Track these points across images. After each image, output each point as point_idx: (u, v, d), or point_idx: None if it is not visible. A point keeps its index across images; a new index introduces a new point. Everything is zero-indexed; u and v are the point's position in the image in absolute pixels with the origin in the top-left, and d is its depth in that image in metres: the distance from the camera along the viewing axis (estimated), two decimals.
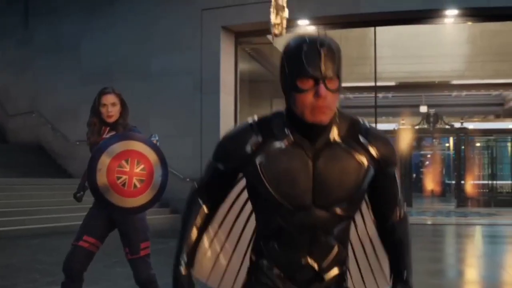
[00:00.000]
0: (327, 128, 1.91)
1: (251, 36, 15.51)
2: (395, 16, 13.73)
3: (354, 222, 2.25)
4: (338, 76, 1.84)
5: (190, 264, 2.05)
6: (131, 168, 3.94)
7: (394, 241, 2.11)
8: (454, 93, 22.75)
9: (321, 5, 13.52)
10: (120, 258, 6.65)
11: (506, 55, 17.36)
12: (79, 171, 15.03)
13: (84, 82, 15.85)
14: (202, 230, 2.12)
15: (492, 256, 9.83)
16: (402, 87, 21.27)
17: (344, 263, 2.05)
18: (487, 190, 20.64)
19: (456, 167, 21.22)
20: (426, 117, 21.42)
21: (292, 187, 1.89)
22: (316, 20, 13.87)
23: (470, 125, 21.54)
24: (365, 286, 2.41)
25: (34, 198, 12.45)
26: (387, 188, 2.04)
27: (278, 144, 1.93)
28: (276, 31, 5.71)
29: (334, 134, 1.93)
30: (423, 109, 21.92)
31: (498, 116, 24.38)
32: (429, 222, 15.73)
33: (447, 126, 21.52)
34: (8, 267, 7.52)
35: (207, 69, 14.29)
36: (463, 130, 21.15)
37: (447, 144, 24.11)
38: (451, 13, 13.54)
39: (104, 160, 3.90)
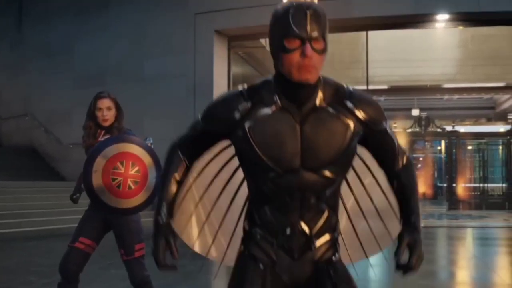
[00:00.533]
0: (313, 94, 2.01)
1: (244, 40, 15.62)
2: (387, 21, 13.88)
3: (350, 187, 2.37)
4: (323, 38, 1.93)
5: (170, 214, 2.14)
6: (126, 170, 4.02)
7: (400, 187, 2.20)
8: (446, 97, 22.85)
9: None
10: (115, 260, 6.72)
11: (497, 59, 17.49)
12: (72, 174, 15.14)
13: (77, 85, 15.93)
14: (181, 183, 2.19)
15: (483, 258, 9.93)
16: (394, 90, 21.35)
17: (335, 229, 2.14)
18: (478, 193, 20.74)
19: (447, 170, 21.33)
20: (417, 120, 21.53)
21: (280, 150, 1.98)
22: None
23: (462, 129, 21.66)
24: (363, 249, 2.52)
25: (28, 201, 12.49)
26: (383, 144, 2.15)
27: (267, 110, 2.01)
28: None
29: (320, 99, 2.03)
30: (415, 112, 21.99)
31: (489, 120, 24.52)
32: (421, 225, 15.85)
33: (438, 130, 21.64)
34: (4, 269, 7.57)
35: (200, 73, 14.39)
36: (455, 133, 21.27)
37: (439, 147, 24.22)
38: (442, 18, 13.71)
39: (100, 162, 3.98)
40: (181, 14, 14.66)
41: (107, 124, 4.24)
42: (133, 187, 4.01)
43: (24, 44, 18.07)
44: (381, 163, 2.23)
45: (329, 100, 2.03)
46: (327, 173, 2.01)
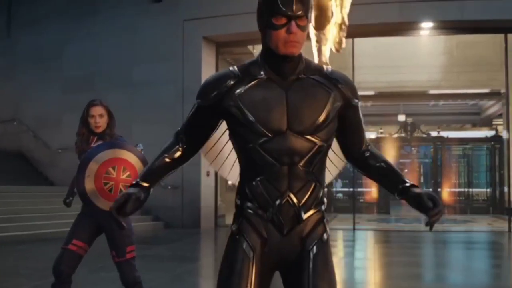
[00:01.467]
0: (297, 66, 2.25)
1: (232, 46, 15.79)
2: (373, 28, 14.08)
3: None
4: (307, 16, 2.17)
5: (150, 180, 2.35)
6: (118, 175, 4.18)
7: (380, 162, 2.40)
8: (432, 103, 23.11)
9: None
10: (104, 263, 6.87)
11: (481, 66, 17.72)
12: (61, 179, 15.21)
13: (66, 91, 15.99)
14: (169, 163, 2.38)
15: (466, 262, 10.14)
16: (381, 96, 21.58)
17: (322, 204, 2.31)
18: (463, 198, 21.00)
19: (433, 175, 21.55)
20: (403, 126, 21.74)
21: (268, 113, 2.18)
22: None
23: (447, 134, 21.90)
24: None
25: (16, 206, 12.52)
26: (355, 118, 2.35)
27: (254, 80, 2.25)
28: (338, 47, 5.86)
29: (303, 71, 2.27)
30: (401, 118, 22.19)
31: (475, 125, 24.79)
32: (406, 229, 16.01)
33: (424, 135, 21.87)
34: None
35: (188, 79, 14.50)
36: (440, 138, 21.52)
37: (425, 153, 24.45)
38: (426, 26, 13.94)
39: (92, 167, 4.13)
40: (170, 21, 14.80)
41: (99, 130, 4.41)
42: (124, 191, 4.15)
43: (13, 49, 18.06)
44: (348, 145, 2.42)
45: (311, 73, 2.28)
46: (312, 138, 2.21)
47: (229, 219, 11.63)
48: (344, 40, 5.86)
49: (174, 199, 13.97)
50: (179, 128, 2.42)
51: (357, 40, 15.26)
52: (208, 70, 14.83)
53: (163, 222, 14.09)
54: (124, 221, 4.14)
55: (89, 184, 4.11)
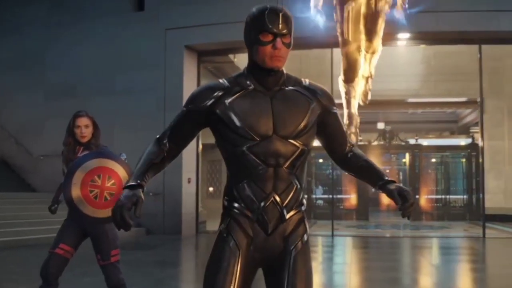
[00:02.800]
0: (280, 78, 2.53)
1: (213, 55, 15.98)
2: None
3: None
4: (290, 34, 2.46)
5: (141, 181, 2.45)
6: (103, 183, 4.41)
7: (362, 162, 2.67)
8: (411, 111, 23.41)
9: None
10: (88, 268, 7.06)
11: (458, 75, 18.03)
12: (42, 185, 15.23)
13: (48, 98, 16.07)
14: (155, 166, 2.55)
15: (443, 266, 10.44)
16: (360, 104, 21.87)
17: (303, 205, 2.58)
18: (440, 204, 21.33)
19: (411, 182, 21.85)
20: (382, 133, 22.02)
21: (255, 120, 2.44)
22: None
23: (425, 142, 22.21)
24: None
25: None
26: (336, 124, 2.63)
27: (242, 90, 2.50)
28: (364, 99, 6.07)
29: (284, 83, 2.54)
30: (380, 125, 22.44)
31: (453, 133, 25.14)
32: (385, 235, 16.31)
33: (402, 143, 22.18)
34: None
35: (170, 87, 14.70)
36: (418, 146, 21.83)
37: (403, 160, 24.77)
38: (403, 37, 14.26)
39: (79, 175, 4.35)
40: (152, 30, 14.96)
41: (85, 140, 4.65)
42: (109, 198, 4.39)
43: None
44: (333, 147, 2.69)
45: (292, 85, 2.56)
46: (295, 142, 2.47)
47: (210, 226, 11.93)
48: (369, 92, 6.09)
49: (156, 206, 14.10)
50: (159, 135, 2.62)
51: (337, 50, 15.53)
52: (189, 79, 15.03)
53: (145, 229, 14.22)
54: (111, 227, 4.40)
55: (75, 191, 4.33)
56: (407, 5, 5.44)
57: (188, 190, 14.76)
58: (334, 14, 5.56)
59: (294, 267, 2.46)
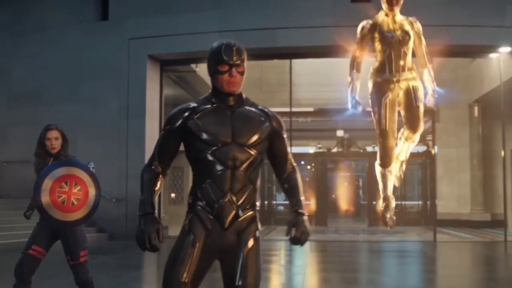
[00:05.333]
0: (238, 100, 3.05)
1: (176, 64, 16.29)
2: (309, 50, 14.90)
3: None
4: (243, 64, 2.99)
5: (154, 209, 2.99)
6: (70, 189, 4.82)
7: (290, 186, 3.16)
8: (369, 119, 23.91)
9: (241, 38, 14.42)
10: (56, 272, 7.40)
11: None
12: (7, 191, 15.20)
13: (13, 105, 16.07)
14: (157, 188, 3.09)
15: (395, 267, 11.03)
16: (320, 112, 22.36)
17: (255, 205, 3.05)
18: (397, 210, 21.90)
19: (368, 188, 22.41)
20: (341, 141, 22.55)
21: (217, 129, 2.97)
22: None
23: None
24: None
25: None
26: (281, 145, 3.16)
27: (207, 108, 3.01)
28: (397, 182, 6.39)
29: (242, 103, 3.07)
30: (340, 133, 22.86)
31: None
32: (342, 240, 16.82)
33: (360, 150, 22.77)
34: None
35: (133, 95, 14.94)
36: (375, 153, 22.30)
37: (362, 167, 25.41)
38: None
39: (47, 182, 4.76)
40: (116, 39, 15.17)
41: (55, 151, 5.07)
42: (75, 203, 4.82)
43: None
44: (276, 166, 3.20)
45: (249, 105, 3.08)
46: (250, 150, 2.97)
47: (172, 231, 12.17)
48: (402, 175, 6.41)
49: (119, 211, 14.24)
50: (147, 162, 3.13)
51: (295, 61, 16.03)
52: (152, 87, 15.31)
53: (107, 234, 14.43)
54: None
55: (45, 198, 4.73)
56: (437, 94, 5.84)
57: None
58: (371, 104, 5.90)
59: (246, 262, 2.93)
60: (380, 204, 6.02)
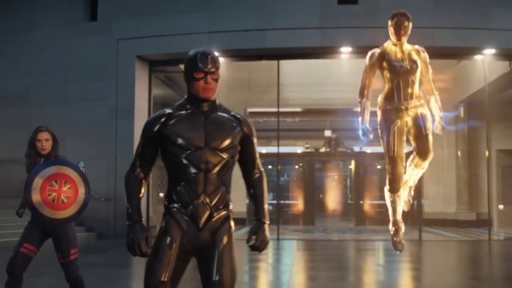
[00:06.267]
0: (212, 105, 3.19)
1: (164, 65, 16.37)
2: (296, 51, 15.04)
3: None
4: (218, 72, 3.14)
5: (141, 217, 3.15)
6: (60, 187, 4.97)
7: (255, 193, 3.32)
8: (357, 119, 24.05)
9: (230, 39, 14.63)
10: (43, 270, 7.52)
11: None
12: None
13: (1, 105, 16.04)
14: (141, 195, 3.22)
15: (381, 265, 11.20)
16: (308, 112, 22.52)
17: (228, 206, 3.20)
18: (383, 210, 22.12)
19: (355, 188, 22.60)
20: (328, 141, 22.70)
21: (191, 134, 3.11)
22: (224, 52, 14.96)
23: (369, 149, 22.97)
24: None
25: None
26: (250, 151, 3.30)
27: (182, 114, 3.15)
28: (406, 207, 6.53)
29: (216, 109, 3.21)
30: (328, 133, 22.96)
31: None
32: (330, 239, 16.98)
33: (348, 150, 22.94)
34: None
35: (122, 96, 15.00)
36: (362, 154, 22.62)
37: (350, 167, 25.58)
38: (345, 50, 14.96)
39: (38, 181, 4.90)
40: (105, 40, 15.22)
41: (45, 152, 5.21)
42: (65, 201, 4.97)
43: None
44: (244, 170, 3.34)
45: (222, 111, 3.22)
46: (222, 153, 3.11)
47: None
48: (411, 200, 6.55)
49: (107, 211, 14.30)
50: (129, 168, 3.26)
51: (283, 61, 16.15)
52: (141, 88, 15.37)
53: (96, 233, 14.49)
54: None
55: (35, 196, 4.87)
56: (443, 122, 6.01)
57: None
58: (379, 132, 6.06)
59: (221, 258, 3.08)
60: (390, 229, 6.18)
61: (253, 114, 21.48)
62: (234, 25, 14.53)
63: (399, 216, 6.17)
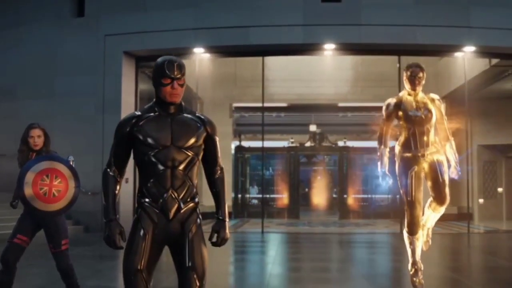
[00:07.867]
0: (178, 108, 3.43)
1: (151, 60, 16.42)
2: (280, 48, 15.31)
3: None
4: (183, 78, 3.37)
5: (116, 214, 3.38)
6: (51, 181, 5.22)
7: (216, 191, 3.60)
8: (341, 114, 24.39)
9: (216, 35, 14.86)
10: (34, 261, 7.76)
11: (383, 81, 18.90)
12: None
13: None
14: (117, 191, 3.47)
15: (362, 257, 11.51)
16: (293, 107, 22.78)
17: (195, 198, 3.46)
18: (366, 203, 22.51)
19: (339, 182, 22.87)
20: (313, 136, 22.97)
21: (158, 133, 3.38)
22: (210, 48, 15.18)
23: (352, 144, 23.27)
24: None
25: None
26: (213, 149, 3.57)
27: (151, 115, 3.41)
28: (425, 247, 6.77)
29: (182, 111, 3.46)
30: (313, 128, 23.17)
31: None
32: (313, 232, 17.27)
33: (332, 145, 23.22)
34: None
35: (109, 91, 15.19)
36: (346, 148, 22.91)
37: (334, 161, 25.82)
38: (329, 47, 15.21)
39: (30, 176, 5.15)
40: (92, 36, 15.39)
41: (37, 148, 5.46)
42: (56, 194, 5.23)
43: None
44: (206, 168, 3.60)
45: (188, 113, 3.47)
46: (187, 151, 3.37)
47: None
48: (430, 241, 6.80)
49: (94, 204, 14.38)
50: (106, 166, 3.51)
51: (268, 58, 16.37)
52: (128, 83, 15.54)
53: (83, 226, 14.72)
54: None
55: (27, 190, 5.12)
56: (459, 167, 6.30)
57: (126, 190, 15.19)
58: (398, 178, 6.33)
59: (192, 245, 3.37)
60: (409, 269, 6.46)
61: (239, 109, 21.76)
62: (220, 22, 14.75)
63: (417, 257, 6.43)
